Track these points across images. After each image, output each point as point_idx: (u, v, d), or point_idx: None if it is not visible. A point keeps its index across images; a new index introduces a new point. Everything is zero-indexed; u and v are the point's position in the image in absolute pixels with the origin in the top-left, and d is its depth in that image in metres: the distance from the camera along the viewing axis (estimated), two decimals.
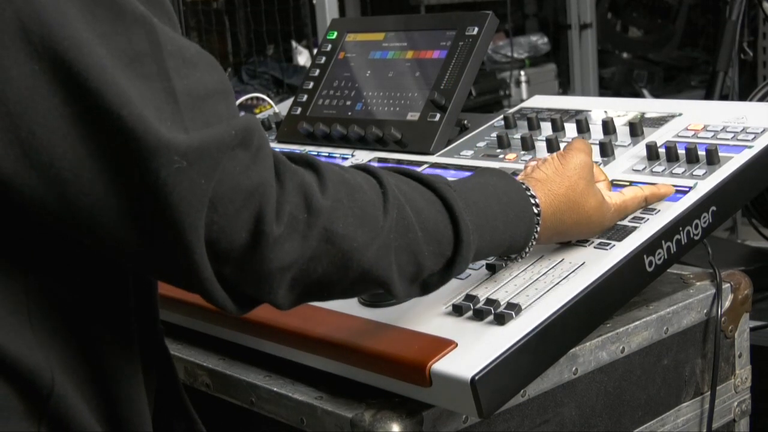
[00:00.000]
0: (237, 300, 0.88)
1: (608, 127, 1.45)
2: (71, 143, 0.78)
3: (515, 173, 1.39)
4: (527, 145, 1.47)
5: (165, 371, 1.10)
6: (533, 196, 1.07)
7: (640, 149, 1.38)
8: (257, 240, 0.84)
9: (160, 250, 0.83)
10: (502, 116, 1.60)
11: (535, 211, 1.07)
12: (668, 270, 1.23)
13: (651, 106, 1.53)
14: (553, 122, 1.50)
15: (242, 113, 0.88)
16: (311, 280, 0.89)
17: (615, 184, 1.31)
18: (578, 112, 1.54)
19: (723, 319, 1.35)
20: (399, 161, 1.56)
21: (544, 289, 1.11)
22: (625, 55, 5.65)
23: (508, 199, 1.05)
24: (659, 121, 1.45)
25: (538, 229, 1.08)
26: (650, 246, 1.17)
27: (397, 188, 0.95)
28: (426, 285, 0.99)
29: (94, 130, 0.78)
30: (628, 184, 1.30)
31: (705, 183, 1.25)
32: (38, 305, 0.88)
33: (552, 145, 1.44)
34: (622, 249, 1.16)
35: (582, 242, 1.18)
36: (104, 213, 0.80)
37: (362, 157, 1.61)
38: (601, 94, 5.04)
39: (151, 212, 0.80)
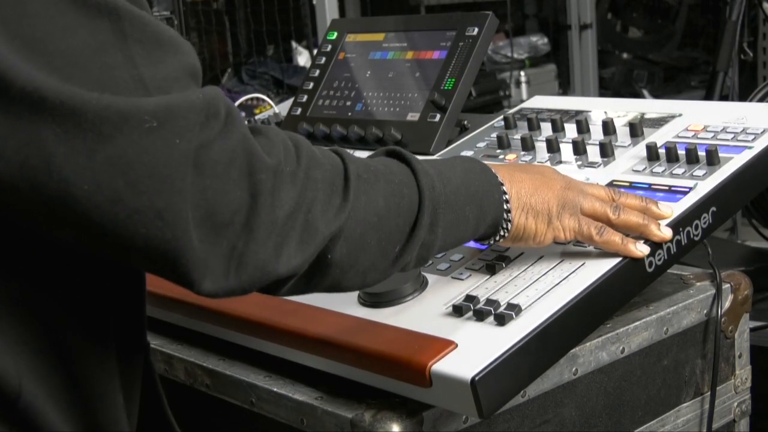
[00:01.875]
0: (232, 281, 0.86)
1: (608, 127, 1.45)
2: (35, 132, 0.77)
3: None
4: (527, 145, 1.47)
5: (147, 384, 1.09)
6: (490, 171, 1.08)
7: (640, 150, 1.38)
8: (255, 193, 0.84)
9: (144, 226, 0.80)
10: (502, 117, 1.60)
11: (498, 177, 1.07)
12: (668, 270, 1.23)
13: (651, 106, 1.53)
14: (553, 123, 1.50)
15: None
16: (311, 226, 0.88)
17: (615, 185, 1.31)
18: (578, 112, 1.54)
19: (723, 319, 1.35)
20: None
21: (544, 289, 1.11)
22: (625, 55, 5.65)
23: (466, 167, 1.06)
24: (659, 122, 1.45)
25: (504, 188, 1.07)
26: (650, 246, 1.16)
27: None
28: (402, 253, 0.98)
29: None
30: (628, 184, 1.30)
31: (705, 183, 1.25)
32: (9, 309, 0.87)
33: (552, 146, 1.44)
34: None
35: (582, 243, 1.18)
36: (81, 192, 0.78)
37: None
38: (601, 95, 5.04)
39: (129, 182, 0.78)
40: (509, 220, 1.08)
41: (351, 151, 1.63)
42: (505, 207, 1.07)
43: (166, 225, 0.80)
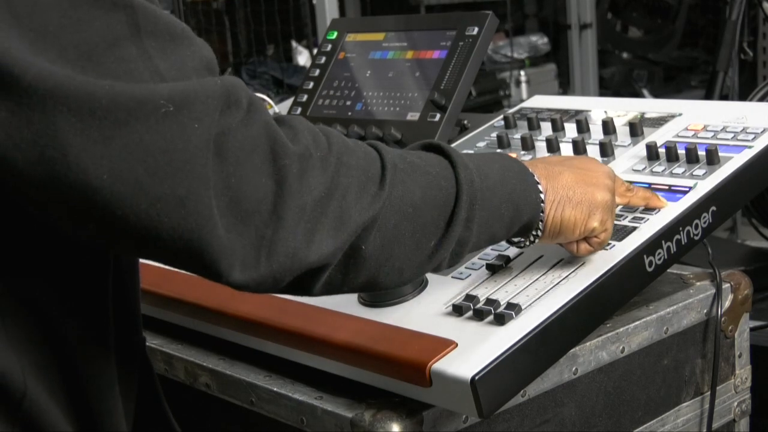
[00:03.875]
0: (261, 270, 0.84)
1: (608, 127, 1.45)
2: (51, 122, 0.76)
3: None
4: (527, 145, 1.47)
5: (145, 381, 1.09)
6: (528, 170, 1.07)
7: (640, 149, 1.38)
8: (281, 179, 0.83)
9: (167, 215, 0.78)
10: (502, 116, 1.60)
11: (534, 176, 1.06)
12: (668, 270, 1.23)
13: (651, 106, 1.53)
14: (553, 122, 1.50)
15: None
16: (344, 213, 0.87)
17: None
18: (578, 112, 1.54)
19: (723, 319, 1.35)
20: None
21: (544, 289, 1.11)
22: (625, 55, 5.65)
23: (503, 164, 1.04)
24: (659, 121, 1.45)
25: (541, 187, 1.05)
26: (650, 246, 1.17)
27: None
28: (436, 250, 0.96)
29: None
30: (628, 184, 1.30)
31: (705, 183, 1.25)
32: (13, 307, 0.87)
33: (552, 145, 1.44)
34: (622, 249, 1.16)
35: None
36: (101, 183, 0.77)
37: None
38: (601, 94, 5.04)
39: (148, 169, 0.77)
40: (543, 221, 1.06)
41: None
42: (541, 207, 1.05)
43: (189, 213, 0.78)
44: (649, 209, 1.22)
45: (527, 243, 1.08)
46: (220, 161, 0.80)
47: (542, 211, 1.05)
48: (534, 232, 1.06)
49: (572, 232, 1.08)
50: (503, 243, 1.21)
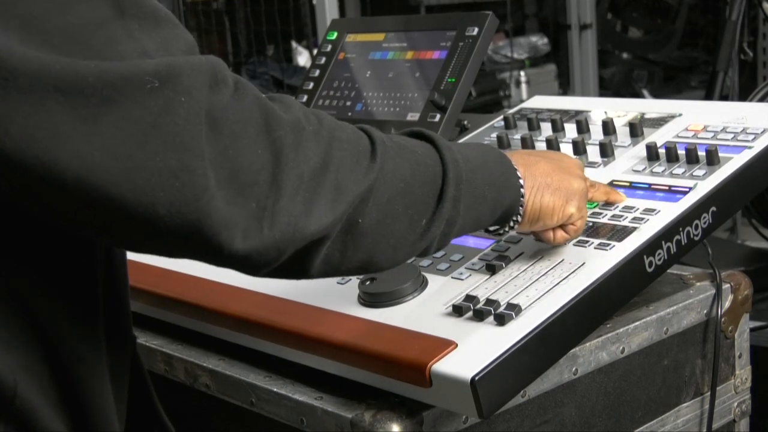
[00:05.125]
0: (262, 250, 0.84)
1: (608, 127, 1.45)
2: (39, 104, 0.76)
3: None
4: (527, 145, 1.47)
5: (137, 379, 1.08)
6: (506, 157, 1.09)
7: (640, 150, 1.38)
8: (277, 150, 0.83)
9: (162, 188, 0.78)
10: (502, 117, 1.60)
11: (512, 162, 1.07)
12: (668, 270, 1.23)
13: (651, 106, 1.53)
14: (553, 123, 1.50)
15: None
16: (341, 185, 0.88)
17: (615, 185, 1.31)
18: (578, 112, 1.54)
19: (723, 319, 1.35)
20: None
21: (544, 289, 1.11)
22: (625, 55, 5.65)
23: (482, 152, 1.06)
24: (659, 122, 1.45)
25: (519, 173, 1.07)
26: (650, 246, 1.17)
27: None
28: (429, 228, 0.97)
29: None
30: (628, 184, 1.30)
31: (705, 183, 1.25)
32: (2, 305, 0.86)
33: (552, 146, 1.44)
34: (622, 249, 1.16)
35: (582, 242, 1.18)
36: (94, 163, 0.76)
37: None
38: (601, 95, 5.04)
39: (139, 144, 0.77)
40: (522, 206, 1.08)
41: None
42: (521, 192, 1.07)
43: (183, 185, 0.78)
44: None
45: (506, 229, 1.09)
46: (215, 135, 0.80)
47: (522, 196, 1.07)
48: (514, 218, 1.08)
49: (551, 217, 1.10)
50: (503, 243, 1.21)
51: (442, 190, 0.97)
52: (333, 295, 1.20)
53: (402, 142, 0.98)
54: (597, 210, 1.25)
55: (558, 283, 1.11)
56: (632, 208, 1.23)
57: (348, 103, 1.71)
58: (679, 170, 1.30)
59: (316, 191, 0.86)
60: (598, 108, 1.55)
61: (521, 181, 1.07)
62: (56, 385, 0.92)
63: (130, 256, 1.04)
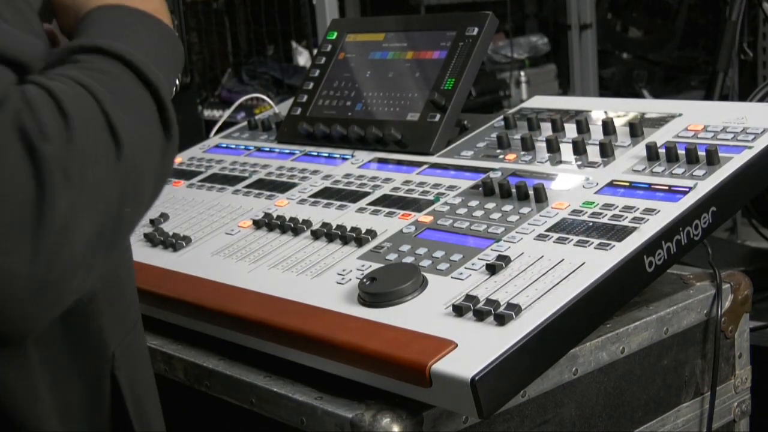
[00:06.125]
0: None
1: (608, 127, 1.45)
2: None
3: (515, 173, 1.40)
4: (527, 145, 1.47)
5: (115, 403, 1.02)
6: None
7: (640, 149, 1.38)
8: (34, 159, 0.76)
9: None
10: (502, 117, 1.60)
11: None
12: (668, 270, 1.23)
13: (651, 106, 1.53)
14: (553, 123, 1.50)
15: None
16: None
17: (615, 185, 1.31)
18: (578, 112, 1.54)
19: (723, 319, 1.35)
20: (399, 162, 1.56)
21: (544, 289, 1.11)
22: (625, 55, 5.65)
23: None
24: (659, 122, 1.45)
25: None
26: (650, 246, 1.17)
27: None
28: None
29: None
30: (628, 184, 1.30)
31: (705, 183, 1.25)
32: None
33: (552, 146, 1.44)
34: (622, 249, 1.16)
35: (582, 242, 1.18)
36: None
37: (362, 157, 1.61)
38: (601, 95, 5.04)
39: None
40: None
41: (351, 152, 1.64)
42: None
43: None
44: (650, 208, 1.22)
45: None
46: None
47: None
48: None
49: None
50: (503, 243, 1.21)
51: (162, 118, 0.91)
52: (333, 295, 1.20)
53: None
54: (597, 210, 1.25)
55: (558, 283, 1.11)
56: (632, 208, 1.23)
57: (348, 103, 1.71)
58: (679, 170, 1.30)
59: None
60: (598, 108, 1.55)
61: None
62: (28, 404, 0.90)
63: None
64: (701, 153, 1.30)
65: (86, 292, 0.91)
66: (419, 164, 1.53)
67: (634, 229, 1.19)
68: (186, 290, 1.32)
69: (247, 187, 1.62)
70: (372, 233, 1.32)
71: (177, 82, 1.07)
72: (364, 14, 4.93)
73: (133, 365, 1.05)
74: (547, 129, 1.52)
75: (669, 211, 1.21)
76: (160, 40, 1.01)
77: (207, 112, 4.61)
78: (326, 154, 1.67)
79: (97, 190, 0.81)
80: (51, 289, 0.78)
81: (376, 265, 1.23)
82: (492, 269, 1.17)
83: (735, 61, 3.03)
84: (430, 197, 1.40)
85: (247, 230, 1.45)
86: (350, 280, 1.22)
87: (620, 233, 1.19)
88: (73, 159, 0.79)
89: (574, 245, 1.18)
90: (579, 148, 1.41)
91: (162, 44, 1.01)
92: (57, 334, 0.95)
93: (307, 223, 1.40)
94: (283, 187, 1.58)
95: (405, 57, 1.69)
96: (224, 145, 1.86)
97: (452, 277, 1.18)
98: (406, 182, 1.47)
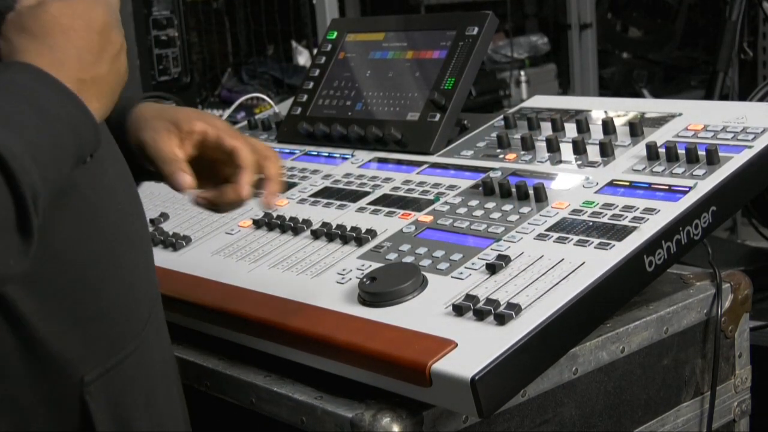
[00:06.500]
0: None
1: (608, 127, 1.45)
2: None
3: (515, 173, 1.40)
4: (527, 145, 1.47)
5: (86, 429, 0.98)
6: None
7: (640, 149, 1.38)
8: None
9: None
10: (502, 116, 1.60)
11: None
12: (668, 270, 1.23)
13: (651, 106, 1.53)
14: (553, 122, 1.50)
15: None
16: None
17: (615, 185, 1.31)
18: (578, 112, 1.54)
19: (723, 319, 1.35)
20: (399, 161, 1.56)
21: (544, 289, 1.11)
22: (625, 55, 5.65)
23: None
24: (659, 121, 1.45)
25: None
26: (650, 246, 1.17)
27: None
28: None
29: None
30: (628, 183, 1.30)
31: (705, 183, 1.25)
32: None
33: (552, 145, 1.44)
34: (622, 249, 1.16)
35: (582, 242, 1.18)
36: None
37: (362, 157, 1.61)
38: (601, 94, 5.04)
39: None
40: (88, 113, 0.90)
41: (351, 152, 1.64)
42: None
43: None
44: (650, 208, 1.22)
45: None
46: None
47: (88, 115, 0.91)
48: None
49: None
50: (503, 243, 1.21)
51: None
52: (333, 295, 1.20)
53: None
54: (597, 209, 1.25)
55: (558, 283, 1.11)
56: (632, 207, 1.23)
57: (348, 103, 1.71)
58: (679, 170, 1.30)
59: None
60: (598, 108, 1.55)
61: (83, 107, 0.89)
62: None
63: None
64: (701, 152, 1.30)
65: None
66: (419, 164, 1.53)
67: (634, 228, 1.19)
68: (186, 290, 1.32)
69: None
70: (372, 233, 1.32)
71: (87, 159, 0.92)
72: (364, 14, 4.92)
73: (122, 388, 1.00)
74: (547, 128, 1.52)
75: (669, 211, 1.21)
76: (59, 123, 0.86)
77: (207, 112, 4.60)
78: (326, 154, 1.67)
79: None
80: None
81: (376, 265, 1.23)
82: (492, 269, 1.17)
83: (735, 60, 3.03)
84: (430, 197, 1.40)
85: (247, 230, 1.45)
86: (350, 279, 1.22)
87: (620, 233, 1.19)
88: None
89: (574, 245, 1.18)
90: (579, 148, 1.41)
91: (59, 128, 0.86)
92: (16, 362, 0.92)
93: (307, 222, 1.40)
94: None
95: (405, 57, 1.69)
96: None
97: (452, 277, 1.18)
98: (406, 182, 1.47)
